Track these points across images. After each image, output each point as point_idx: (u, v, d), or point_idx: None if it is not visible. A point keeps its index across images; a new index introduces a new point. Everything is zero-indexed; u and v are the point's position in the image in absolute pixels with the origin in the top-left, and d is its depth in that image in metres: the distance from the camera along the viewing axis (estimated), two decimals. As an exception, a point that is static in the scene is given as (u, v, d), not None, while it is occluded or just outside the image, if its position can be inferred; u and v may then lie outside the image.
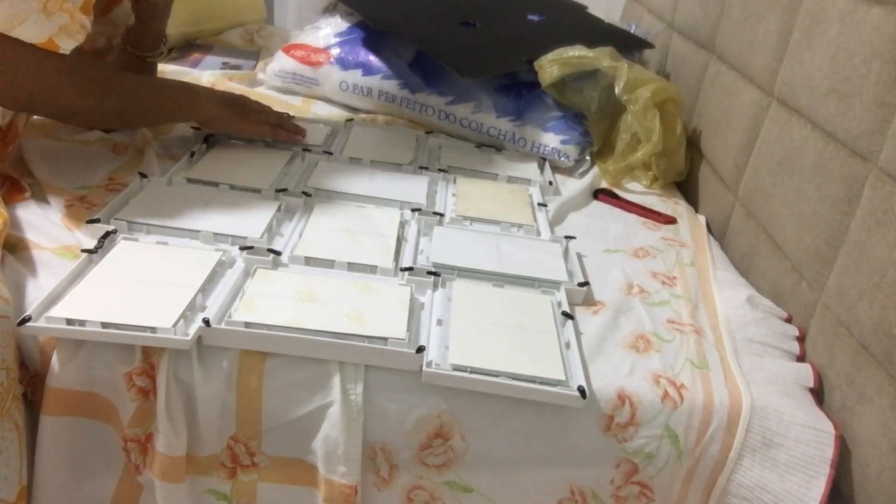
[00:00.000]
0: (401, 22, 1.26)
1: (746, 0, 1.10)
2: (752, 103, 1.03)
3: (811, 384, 0.76)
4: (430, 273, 0.80)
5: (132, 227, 0.81)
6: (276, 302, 0.71)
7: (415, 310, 0.74)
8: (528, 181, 1.12)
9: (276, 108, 1.26)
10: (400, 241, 0.87)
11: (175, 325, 0.65)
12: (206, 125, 0.99)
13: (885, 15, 0.74)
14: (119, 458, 0.69)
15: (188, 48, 1.52)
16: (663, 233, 1.04)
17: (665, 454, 0.69)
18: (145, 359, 0.66)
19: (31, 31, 0.78)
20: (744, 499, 0.69)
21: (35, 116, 0.99)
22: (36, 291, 0.69)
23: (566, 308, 0.78)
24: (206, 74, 1.35)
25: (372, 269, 0.80)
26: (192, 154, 1.00)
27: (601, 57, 1.20)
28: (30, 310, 0.64)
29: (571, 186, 1.16)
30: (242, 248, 0.78)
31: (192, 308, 0.68)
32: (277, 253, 0.79)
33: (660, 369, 0.73)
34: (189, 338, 0.64)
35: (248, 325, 0.67)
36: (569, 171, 1.22)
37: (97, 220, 0.79)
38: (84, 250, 0.74)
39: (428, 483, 0.70)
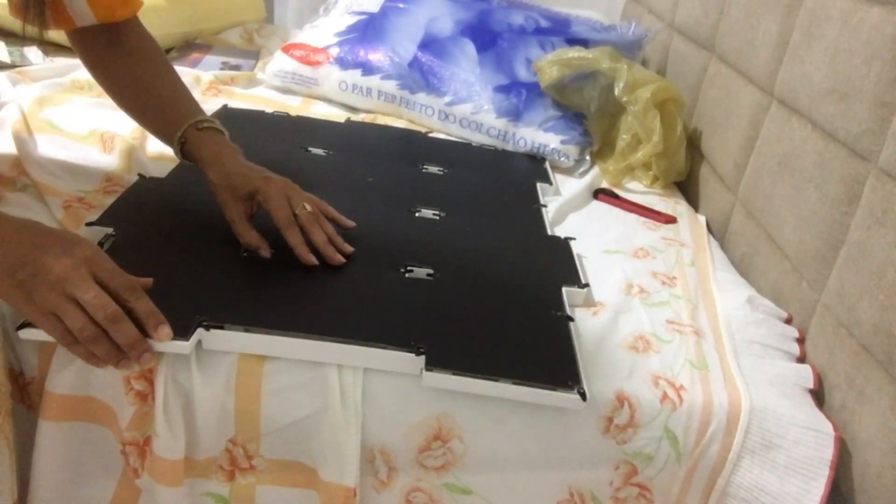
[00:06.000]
0: None
1: (746, 0, 1.09)
2: (752, 103, 1.02)
3: (811, 385, 0.75)
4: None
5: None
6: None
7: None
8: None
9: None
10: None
11: (175, 329, 0.64)
12: None
13: (885, 15, 0.74)
14: (117, 461, 0.69)
15: (188, 48, 1.52)
16: (663, 232, 1.03)
17: (664, 456, 0.69)
18: (143, 362, 0.66)
19: None
20: (743, 500, 0.69)
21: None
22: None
23: (566, 310, 0.78)
24: (206, 74, 1.35)
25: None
26: None
27: (601, 58, 1.20)
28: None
29: (571, 186, 1.16)
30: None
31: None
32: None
33: (659, 370, 0.72)
34: (188, 342, 0.64)
35: (247, 328, 0.66)
36: (569, 171, 1.22)
37: (97, 223, 0.79)
38: (83, 253, 0.74)
39: (427, 485, 0.70)
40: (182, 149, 0.83)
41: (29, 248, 0.58)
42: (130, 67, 0.87)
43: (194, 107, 0.87)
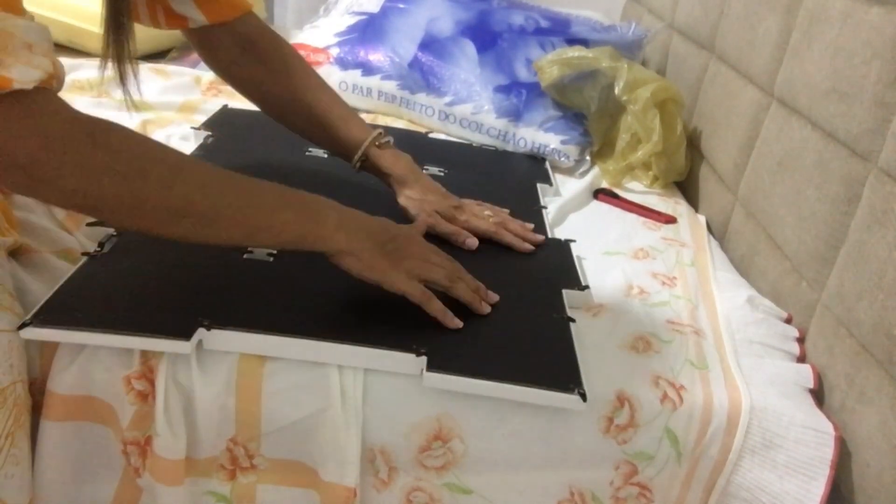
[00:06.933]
0: None
1: (746, 0, 1.09)
2: (752, 103, 1.03)
3: (811, 385, 0.75)
4: None
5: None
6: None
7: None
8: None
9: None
10: None
11: (176, 329, 0.65)
12: (338, 263, 0.70)
13: (885, 15, 0.74)
14: (119, 461, 0.69)
15: (188, 48, 1.51)
16: (663, 233, 1.04)
17: (664, 455, 0.69)
18: (144, 362, 0.66)
19: None
20: (743, 500, 0.69)
21: None
22: (36, 295, 0.68)
23: (567, 312, 0.78)
24: (207, 74, 1.35)
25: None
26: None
27: (601, 57, 1.20)
28: (30, 314, 0.64)
29: (571, 186, 1.16)
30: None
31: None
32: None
33: (659, 370, 0.73)
34: (190, 342, 0.64)
35: (248, 328, 0.67)
36: (569, 171, 1.22)
37: (98, 223, 0.79)
38: (84, 253, 0.74)
39: (427, 485, 0.70)
40: (361, 165, 0.91)
41: (387, 230, 0.73)
42: (275, 83, 0.90)
43: (360, 121, 0.92)
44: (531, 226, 0.94)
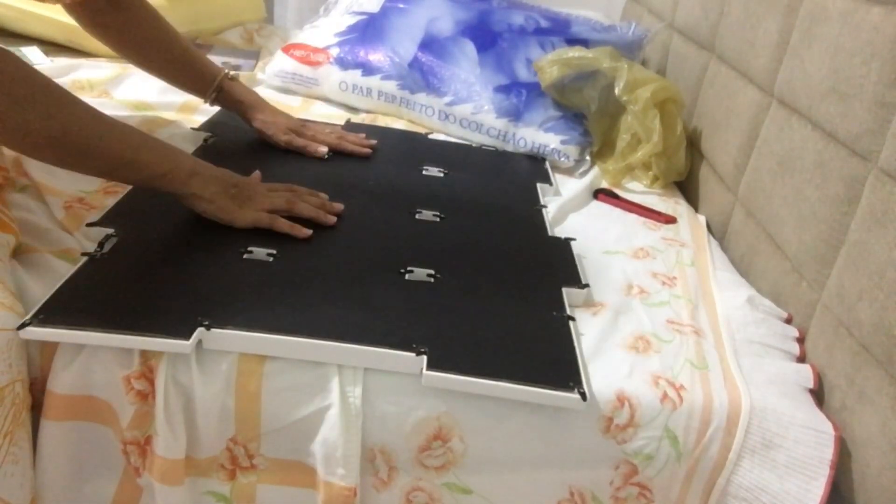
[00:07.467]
0: None
1: (746, 0, 1.10)
2: (752, 103, 1.03)
3: (811, 385, 0.75)
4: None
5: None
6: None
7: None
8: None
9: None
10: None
11: (175, 328, 0.65)
12: (191, 205, 0.81)
13: (885, 15, 0.74)
14: (119, 460, 0.69)
15: (188, 49, 1.52)
16: (663, 233, 1.04)
17: (664, 455, 0.69)
18: (144, 362, 0.66)
19: None
20: (743, 500, 0.69)
21: None
22: (36, 295, 0.69)
23: (567, 310, 0.78)
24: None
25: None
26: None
27: (601, 57, 1.20)
28: (29, 314, 0.64)
29: (571, 186, 1.16)
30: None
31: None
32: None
33: (659, 370, 0.73)
34: (189, 342, 0.64)
35: (248, 328, 0.67)
36: (569, 171, 1.22)
37: (98, 223, 0.79)
38: (84, 253, 0.74)
39: (427, 484, 0.70)
40: (216, 97, 1.06)
41: (232, 178, 0.83)
42: (140, 26, 1.00)
43: (210, 61, 1.07)
44: (363, 135, 1.14)
